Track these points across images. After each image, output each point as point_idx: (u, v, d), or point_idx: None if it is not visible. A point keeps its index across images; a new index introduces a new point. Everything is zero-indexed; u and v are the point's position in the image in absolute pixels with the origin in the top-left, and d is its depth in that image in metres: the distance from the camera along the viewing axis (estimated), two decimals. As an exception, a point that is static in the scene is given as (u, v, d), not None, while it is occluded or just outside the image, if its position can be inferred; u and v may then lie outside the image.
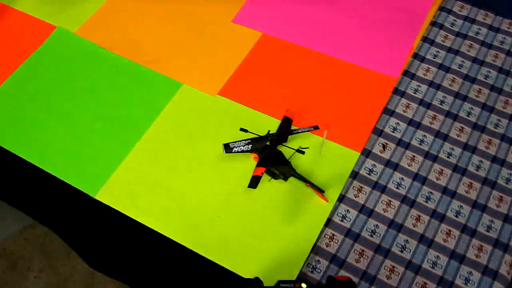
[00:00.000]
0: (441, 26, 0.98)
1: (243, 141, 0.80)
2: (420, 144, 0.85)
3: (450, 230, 0.77)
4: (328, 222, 0.78)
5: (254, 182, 0.76)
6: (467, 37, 0.97)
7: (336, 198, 0.80)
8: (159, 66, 0.95)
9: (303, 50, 0.96)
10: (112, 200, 0.81)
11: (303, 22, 1.00)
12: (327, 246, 0.76)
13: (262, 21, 1.00)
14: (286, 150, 0.82)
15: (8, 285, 1.46)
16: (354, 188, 0.81)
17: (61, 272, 1.46)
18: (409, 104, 0.89)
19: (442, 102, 0.89)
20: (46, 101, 0.91)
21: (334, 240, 0.77)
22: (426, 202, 0.79)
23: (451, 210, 0.79)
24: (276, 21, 1.00)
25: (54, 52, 0.97)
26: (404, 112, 0.88)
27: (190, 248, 0.76)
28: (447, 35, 0.97)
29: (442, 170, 0.82)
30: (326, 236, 0.77)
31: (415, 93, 0.90)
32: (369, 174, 0.82)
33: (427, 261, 0.74)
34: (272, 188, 0.81)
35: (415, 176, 0.82)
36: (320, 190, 0.78)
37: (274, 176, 0.80)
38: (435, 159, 0.83)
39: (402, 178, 0.82)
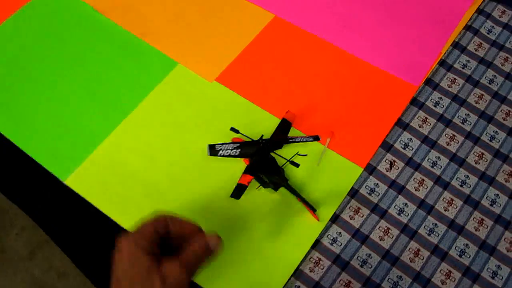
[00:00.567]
0: (476, 32, 0.87)
1: (231, 144, 0.71)
2: (432, 167, 0.75)
3: (450, 271, 0.68)
4: (316, 244, 0.70)
5: (237, 192, 0.68)
6: (503, 48, 0.85)
7: (329, 218, 0.71)
8: (155, 40, 0.85)
9: (317, 41, 0.85)
10: (82, 187, 0.73)
11: (322, 9, 0.89)
12: (310, 271, 0.68)
13: (277, 1, 0.89)
14: (279, 156, 0.74)
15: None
16: (351, 208, 0.72)
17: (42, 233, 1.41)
18: (426, 118, 0.79)
19: (464, 121, 0.79)
20: (23, 66, 0.82)
21: (319, 265, 0.69)
22: (429, 235, 0.71)
23: (455, 248, 0.70)
24: (293, 3, 0.89)
25: (39, 12, 0.87)
26: (420, 127, 0.78)
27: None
28: (481, 43, 0.86)
29: (452, 200, 0.73)
30: (311, 259, 0.69)
31: (435, 106, 0.80)
32: (370, 194, 0.73)
33: (420, 303, 0.67)
34: (259, 197, 0.72)
35: (421, 203, 0.73)
36: (312, 208, 0.70)
37: (263, 183, 0.72)
38: (446, 186, 0.74)
39: (406, 203, 0.73)
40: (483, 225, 0.71)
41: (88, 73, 0.82)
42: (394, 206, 0.72)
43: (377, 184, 0.74)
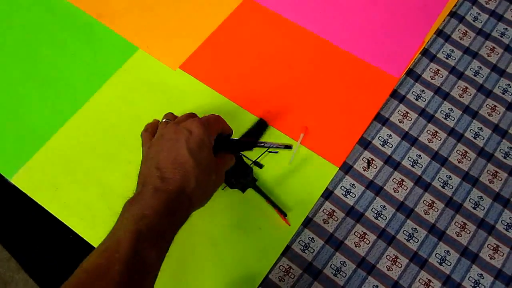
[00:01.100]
0: (462, 19, 0.81)
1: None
2: (413, 166, 0.70)
3: (429, 280, 0.64)
4: (287, 251, 0.64)
5: None
6: (489, 38, 0.80)
7: (301, 222, 0.66)
8: (114, 22, 0.77)
9: (290, 26, 0.79)
10: (29, 186, 0.66)
11: (297, -9, 0.82)
12: (280, 281, 0.63)
13: (249, -19, 0.82)
14: (244, 157, 0.67)
15: None
16: (325, 211, 0.67)
17: None
18: (407, 112, 0.73)
19: (447, 116, 0.74)
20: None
21: (290, 274, 0.63)
22: (408, 241, 0.66)
23: (435, 255, 0.65)
24: (265, -17, 0.82)
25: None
26: (400, 122, 0.73)
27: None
28: (466, 31, 0.80)
29: (433, 202, 0.68)
30: (281, 268, 0.63)
31: (417, 99, 0.74)
32: (345, 195, 0.68)
33: (397, 316, 0.62)
34: (225, 198, 0.66)
35: (400, 206, 0.68)
36: (282, 212, 0.64)
37: (230, 184, 0.66)
38: (427, 187, 0.69)
39: (384, 206, 0.67)
40: (466, 230, 0.67)
41: (36, 58, 0.74)
42: (371, 209, 0.67)
43: (353, 184, 0.68)
